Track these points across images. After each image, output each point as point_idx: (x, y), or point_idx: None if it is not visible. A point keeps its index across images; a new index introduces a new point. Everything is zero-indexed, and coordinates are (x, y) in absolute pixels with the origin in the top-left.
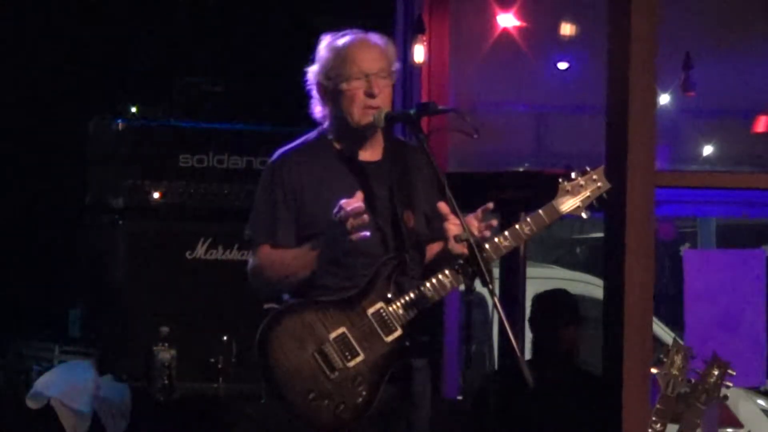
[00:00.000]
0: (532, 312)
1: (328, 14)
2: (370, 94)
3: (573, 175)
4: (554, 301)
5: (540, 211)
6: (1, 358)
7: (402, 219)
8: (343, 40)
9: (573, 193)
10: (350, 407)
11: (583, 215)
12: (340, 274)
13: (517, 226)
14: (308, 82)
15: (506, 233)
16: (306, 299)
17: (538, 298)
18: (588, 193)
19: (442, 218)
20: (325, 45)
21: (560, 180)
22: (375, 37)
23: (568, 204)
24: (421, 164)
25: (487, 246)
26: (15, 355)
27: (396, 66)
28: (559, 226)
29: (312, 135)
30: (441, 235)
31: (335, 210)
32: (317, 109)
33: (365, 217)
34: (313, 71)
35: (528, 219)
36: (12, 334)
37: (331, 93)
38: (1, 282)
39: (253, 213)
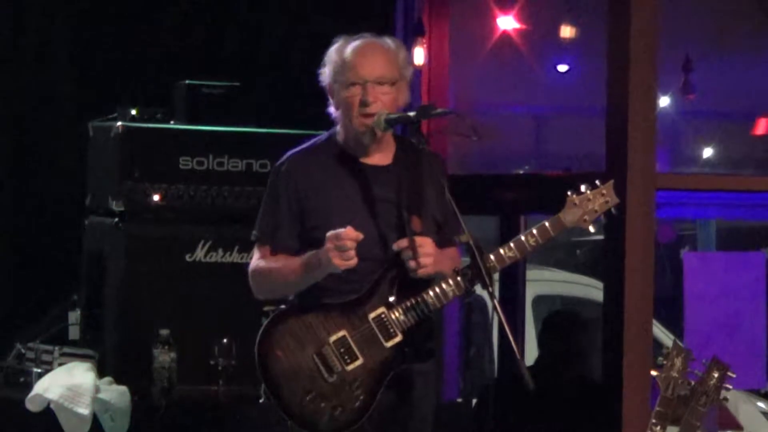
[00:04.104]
0: (542, 332)
1: (327, 17)
2: (363, 102)
3: (582, 188)
4: (567, 326)
5: (546, 223)
6: (0, 360)
7: (408, 224)
8: (351, 45)
9: (580, 206)
10: (347, 410)
11: (591, 229)
12: (340, 277)
13: (522, 238)
14: (321, 84)
15: (511, 244)
16: (309, 301)
17: (551, 320)
18: (596, 207)
19: (451, 225)
20: (335, 48)
21: (569, 193)
22: (383, 43)
23: (574, 217)
24: (434, 169)
25: (491, 256)
26: (14, 358)
27: (407, 72)
28: None
29: (323, 137)
30: (450, 242)
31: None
32: (332, 110)
33: (351, 254)
34: (324, 73)
35: (533, 231)
36: (11, 336)
37: (336, 97)
38: (1, 284)
39: (259, 214)
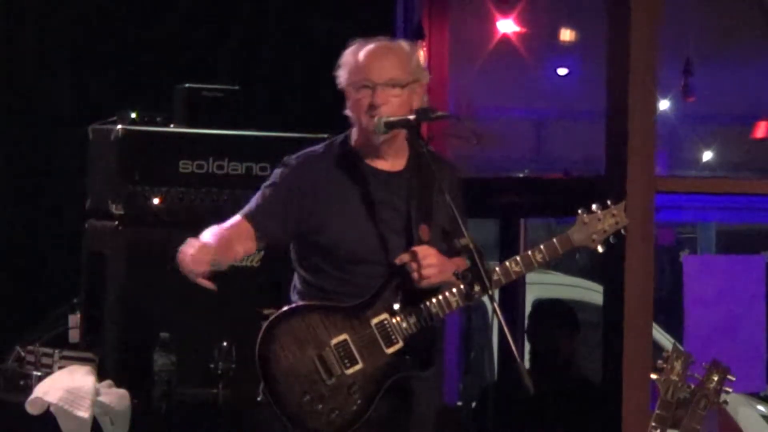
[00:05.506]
0: (529, 323)
1: (328, 20)
2: (372, 105)
3: (593, 207)
4: (552, 312)
5: (554, 240)
6: (0, 363)
7: (416, 232)
8: (364, 47)
9: (590, 225)
10: (343, 414)
11: (599, 249)
12: (341, 279)
13: (529, 253)
14: (339, 86)
15: (518, 259)
16: (311, 302)
17: (536, 310)
18: (605, 227)
19: (457, 233)
20: (350, 50)
21: (579, 211)
22: (396, 46)
23: (583, 236)
24: (446, 177)
25: (497, 269)
26: (14, 361)
27: (422, 75)
28: (558, 231)
29: (338, 138)
30: (458, 252)
31: None
32: (348, 111)
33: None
34: (340, 75)
35: (541, 247)
36: (11, 339)
37: (350, 98)
38: (1, 287)
39: (254, 196)
